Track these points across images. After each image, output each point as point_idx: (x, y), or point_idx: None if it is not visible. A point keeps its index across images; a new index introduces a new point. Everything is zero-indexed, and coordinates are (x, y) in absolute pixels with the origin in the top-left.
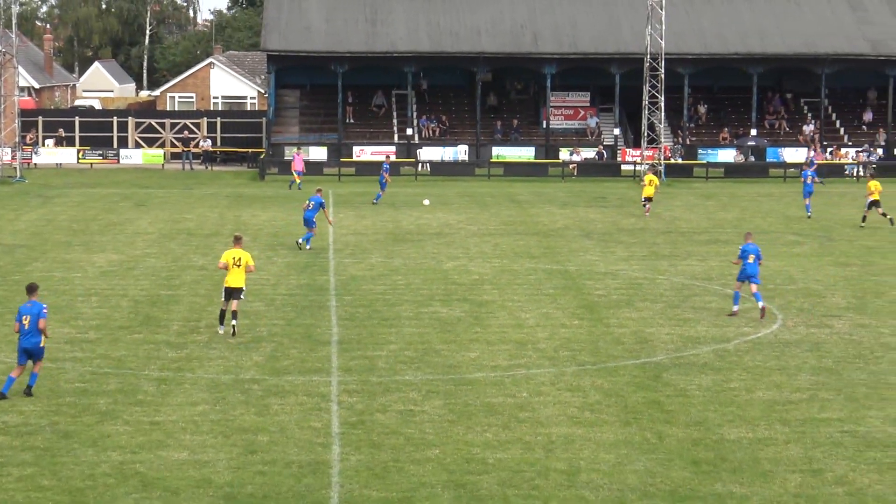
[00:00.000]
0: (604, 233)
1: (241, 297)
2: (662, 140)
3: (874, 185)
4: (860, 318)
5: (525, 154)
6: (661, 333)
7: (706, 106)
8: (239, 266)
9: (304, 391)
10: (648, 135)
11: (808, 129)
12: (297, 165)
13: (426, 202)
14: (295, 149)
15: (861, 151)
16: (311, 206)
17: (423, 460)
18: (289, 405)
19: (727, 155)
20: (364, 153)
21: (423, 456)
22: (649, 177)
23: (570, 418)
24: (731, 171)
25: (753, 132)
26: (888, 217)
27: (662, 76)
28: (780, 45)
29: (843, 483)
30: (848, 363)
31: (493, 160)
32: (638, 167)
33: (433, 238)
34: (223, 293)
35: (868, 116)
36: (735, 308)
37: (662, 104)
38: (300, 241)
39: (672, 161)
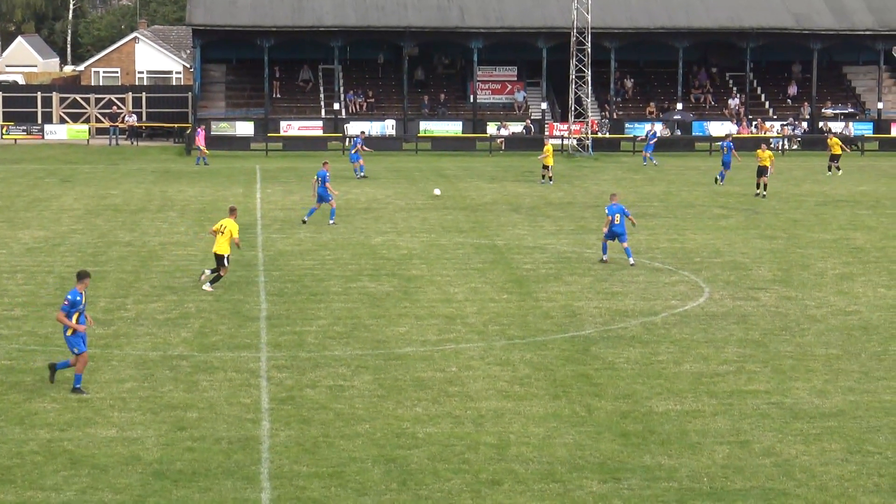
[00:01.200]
0: (532, 207)
1: (225, 262)
2: (589, 114)
3: (765, 153)
4: (786, 291)
5: (452, 128)
6: (589, 307)
7: (633, 80)
8: (223, 234)
9: (233, 367)
10: (575, 109)
11: (734, 102)
12: (200, 141)
13: (437, 192)
14: (200, 125)
15: (786, 125)
16: (319, 181)
17: (352, 435)
18: (218, 381)
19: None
20: (291, 128)
21: (352, 431)
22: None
23: (499, 392)
24: (657, 144)
25: (679, 106)
26: (764, 190)
27: (589, 50)
28: (705, 19)
29: (770, 454)
30: (774, 335)
31: (421, 135)
32: (565, 141)
33: (361, 213)
34: (216, 259)
35: (793, 90)
36: (605, 257)
37: (589, 78)
38: (331, 220)
39: (599, 135)
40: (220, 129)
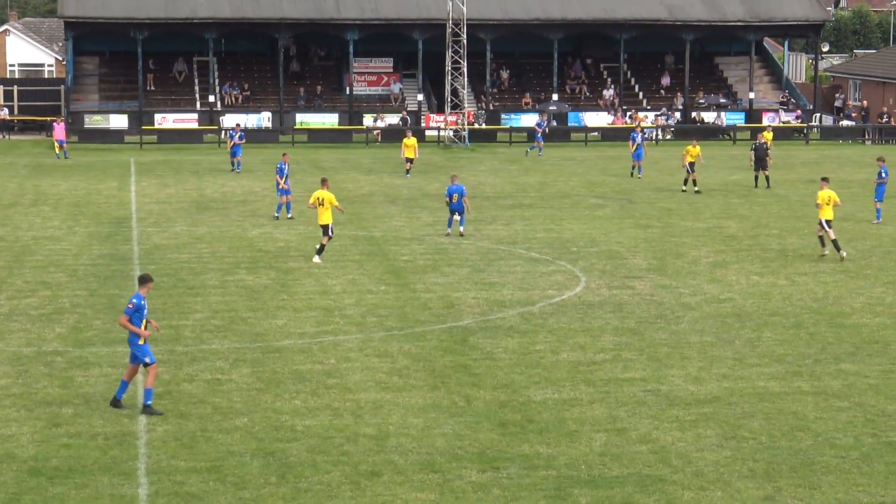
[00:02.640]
0: (409, 198)
1: (330, 233)
2: (466, 105)
3: (695, 149)
4: (661, 279)
5: (329, 120)
6: (467, 297)
7: (508, 71)
8: (322, 205)
9: (108, 362)
10: (452, 100)
11: (608, 93)
12: (59, 135)
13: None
14: (58, 118)
15: (659, 115)
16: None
17: (231, 429)
18: (93, 377)
19: (530, 120)
20: (166, 121)
21: (231, 425)
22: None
23: (378, 384)
24: (533, 135)
25: (555, 97)
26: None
27: (465, 42)
28: (579, 11)
29: (646, 441)
30: (650, 323)
31: (297, 127)
32: (442, 132)
33: (238, 206)
34: (322, 229)
35: (666, 81)
36: (448, 230)
37: (465, 70)
38: (289, 214)
39: (476, 126)
40: (94, 122)
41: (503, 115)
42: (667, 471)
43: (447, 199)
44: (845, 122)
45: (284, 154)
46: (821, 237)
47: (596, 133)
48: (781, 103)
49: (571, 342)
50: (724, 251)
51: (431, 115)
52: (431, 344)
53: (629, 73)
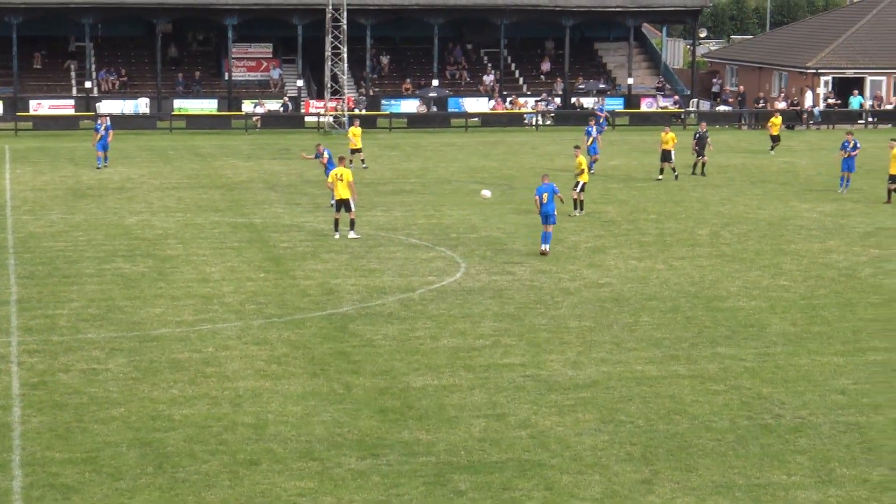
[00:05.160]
0: (288, 185)
1: (352, 207)
2: (346, 91)
3: (668, 136)
4: (540, 265)
5: (207, 106)
6: (346, 284)
7: (389, 57)
8: (342, 181)
9: None
10: (332, 86)
11: (489, 79)
12: None
13: (486, 193)
14: None
15: (539, 101)
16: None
17: (107, 419)
18: None
19: (410, 105)
20: (41, 107)
21: (107, 415)
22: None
23: (257, 372)
24: (414, 121)
25: (435, 83)
26: (676, 172)
27: (345, 27)
28: None
29: (525, 426)
30: (529, 309)
31: (175, 113)
32: (322, 118)
33: (115, 193)
34: (335, 205)
35: (546, 66)
36: (544, 246)
37: (345, 55)
38: None
39: (356, 112)
40: None
41: (383, 101)
42: (545, 455)
43: (537, 199)
44: (722, 108)
45: (318, 144)
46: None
47: (476, 119)
48: (659, 88)
49: (451, 328)
50: (603, 236)
51: (311, 102)
52: (311, 331)
53: (509, 58)
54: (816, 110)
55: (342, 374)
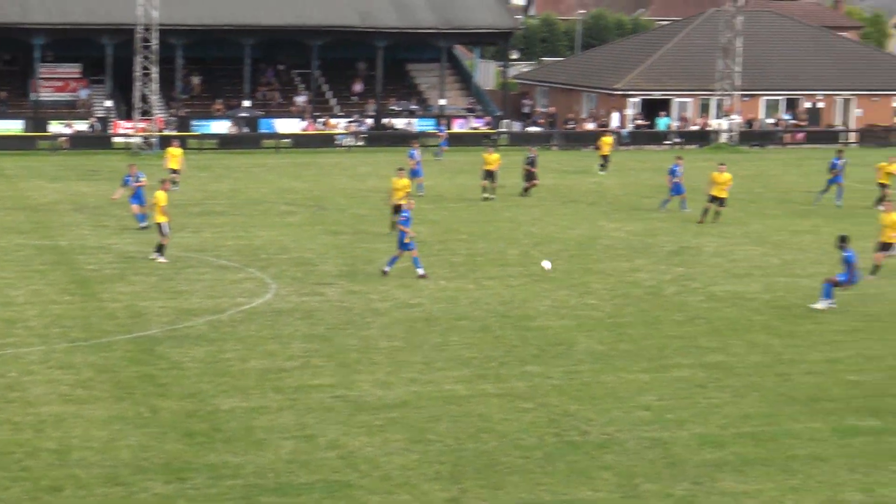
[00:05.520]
0: (96, 207)
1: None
2: (156, 112)
3: (491, 157)
4: (351, 286)
5: (13, 127)
6: (154, 307)
7: (200, 77)
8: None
9: None
10: (141, 107)
11: (301, 100)
12: None
13: (546, 265)
14: None
15: (351, 122)
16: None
17: None
18: None
19: (221, 126)
20: None
21: None
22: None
23: (61, 396)
24: (225, 142)
25: (247, 103)
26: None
27: (156, 47)
28: (272, 17)
29: (334, 447)
30: (340, 329)
31: None
32: (131, 139)
33: None
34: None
35: (358, 87)
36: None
37: (156, 75)
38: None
39: (165, 132)
40: None
41: (194, 122)
42: (354, 476)
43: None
44: (533, 128)
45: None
46: None
47: (288, 140)
48: (470, 109)
49: (261, 350)
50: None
51: (120, 122)
52: (117, 354)
53: (322, 79)
54: (624, 131)
55: (149, 398)
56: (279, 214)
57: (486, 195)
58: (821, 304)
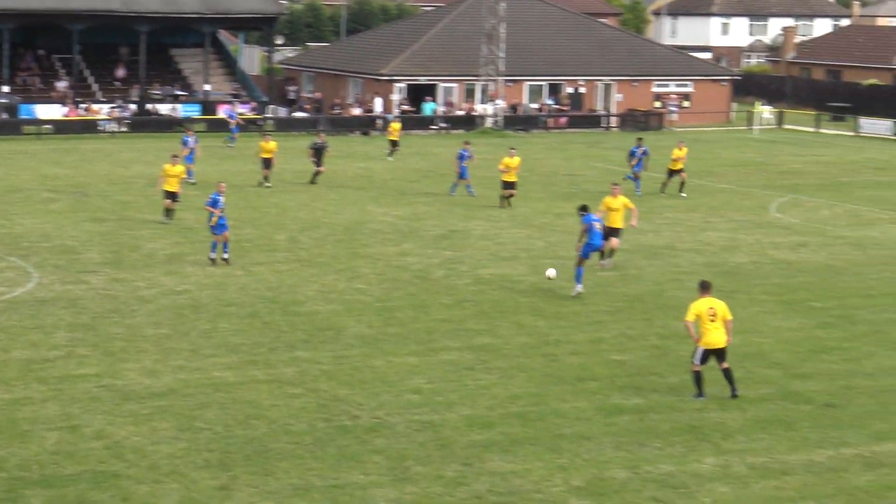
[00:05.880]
0: None
1: None
2: None
3: (269, 144)
4: (116, 273)
5: None
6: None
7: None
8: None
9: None
10: None
11: (62, 85)
12: None
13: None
14: None
15: (114, 107)
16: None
17: None
18: None
19: None
20: None
21: None
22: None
23: None
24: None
25: (6, 89)
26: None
27: None
28: (32, 2)
29: (100, 437)
30: (105, 318)
31: None
32: None
33: None
34: None
35: (121, 73)
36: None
37: None
38: None
39: None
40: None
41: None
42: (121, 466)
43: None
44: (299, 114)
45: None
46: None
47: (49, 126)
48: (235, 95)
49: (23, 340)
50: (181, 243)
51: None
52: None
53: (83, 64)
54: (389, 116)
55: None
56: (41, 202)
57: (266, 184)
58: (578, 288)
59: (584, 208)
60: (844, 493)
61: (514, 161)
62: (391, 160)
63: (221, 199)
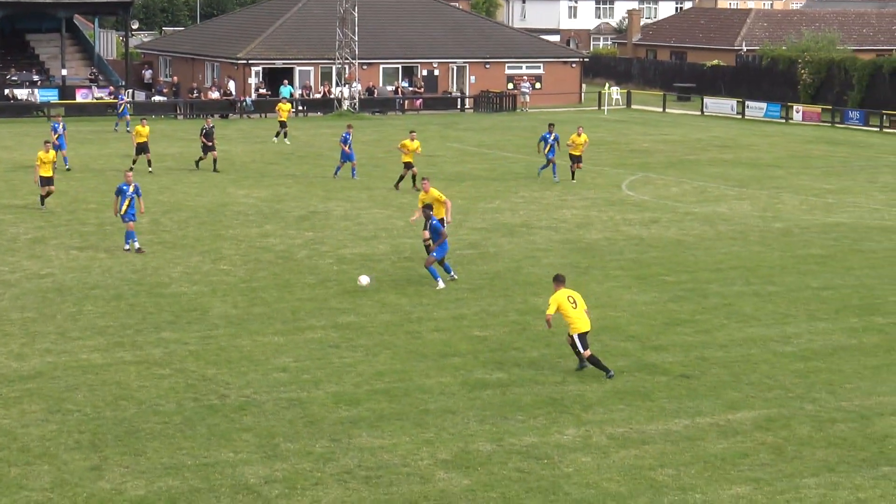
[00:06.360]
0: None
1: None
2: None
3: (144, 129)
4: None
5: None
6: None
7: None
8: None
9: None
10: None
11: None
12: None
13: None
14: None
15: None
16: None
17: None
18: None
19: None
20: None
21: None
22: None
23: None
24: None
25: None
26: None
27: None
28: None
29: None
30: None
31: None
32: None
33: None
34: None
35: None
36: None
37: None
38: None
39: None
40: None
41: None
42: None
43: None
44: (157, 98)
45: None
46: None
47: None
48: (93, 80)
49: None
50: (44, 227)
51: None
52: None
53: None
54: (248, 99)
55: None
56: None
57: (133, 166)
58: (441, 285)
59: (429, 207)
60: (701, 461)
61: (414, 144)
62: (282, 141)
63: (128, 188)
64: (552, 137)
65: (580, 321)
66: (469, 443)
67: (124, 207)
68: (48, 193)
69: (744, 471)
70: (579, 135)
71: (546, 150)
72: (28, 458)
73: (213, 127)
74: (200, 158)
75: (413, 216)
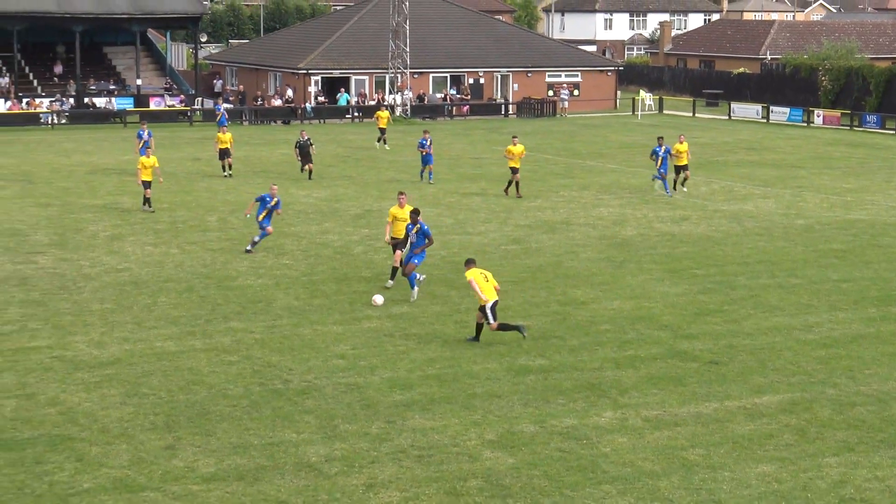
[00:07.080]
0: None
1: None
2: None
3: (226, 136)
4: (62, 253)
5: None
6: None
7: None
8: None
9: None
10: None
11: (3, 81)
12: None
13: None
14: None
15: (54, 101)
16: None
17: None
18: None
19: None
20: None
21: None
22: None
23: None
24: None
25: None
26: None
27: None
28: None
29: (55, 404)
30: (53, 294)
31: None
32: None
33: None
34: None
35: (59, 69)
36: None
37: None
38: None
39: None
40: None
41: None
42: (75, 429)
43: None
44: (226, 105)
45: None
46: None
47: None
48: (166, 89)
49: None
50: (121, 225)
51: None
52: None
53: (23, 62)
54: (308, 106)
55: None
56: None
57: (225, 173)
58: (414, 295)
59: (417, 212)
60: (729, 441)
61: (518, 149)
62: (384, 147)
63: (271, 200)
64: (663, 150)
65: (489, 293)
66: (514, 424)
67: (262, 216)
68: (148, 196)
69: (769, 451)
70: (681, 142)
71: (658, 165)
72: (108, 439)
73: (307, 139)
74: (302, 169)
75: (386, 237)
